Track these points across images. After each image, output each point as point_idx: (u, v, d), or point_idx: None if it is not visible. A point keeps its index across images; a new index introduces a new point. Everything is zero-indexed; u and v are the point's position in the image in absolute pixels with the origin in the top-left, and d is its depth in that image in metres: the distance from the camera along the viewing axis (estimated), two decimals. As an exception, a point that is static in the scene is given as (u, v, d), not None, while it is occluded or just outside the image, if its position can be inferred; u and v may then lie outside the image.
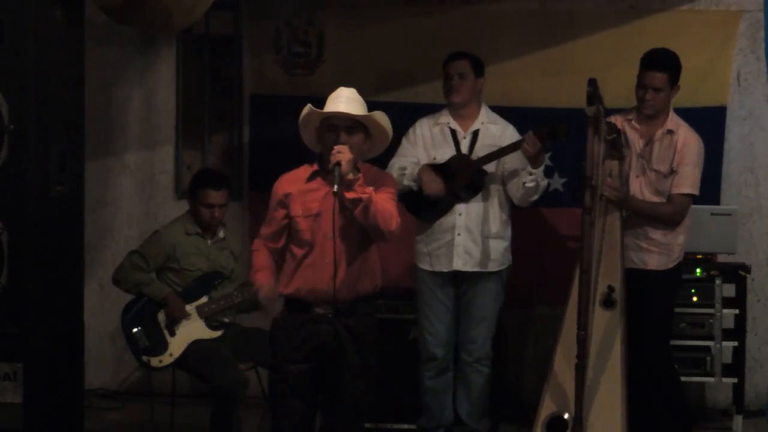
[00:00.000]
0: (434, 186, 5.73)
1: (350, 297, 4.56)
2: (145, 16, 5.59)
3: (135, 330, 5.90)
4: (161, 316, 5.91)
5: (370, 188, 4.44)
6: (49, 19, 5.18)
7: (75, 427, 5.52)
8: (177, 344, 5.85)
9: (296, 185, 4.63)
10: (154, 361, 5.89)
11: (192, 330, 5.88)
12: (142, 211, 7.16)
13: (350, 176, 4.38)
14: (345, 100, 4.58)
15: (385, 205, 4.46)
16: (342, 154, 4.40)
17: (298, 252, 4.59)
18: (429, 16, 6.75)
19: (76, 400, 5.56)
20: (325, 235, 4.52)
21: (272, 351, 4.69)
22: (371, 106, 6.76)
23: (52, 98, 5.23)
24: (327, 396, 4.62)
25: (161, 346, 5.88)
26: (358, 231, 4.52)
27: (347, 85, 6.80)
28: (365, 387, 4.62)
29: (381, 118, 4.61)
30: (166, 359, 5.87)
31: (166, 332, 5.89)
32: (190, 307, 5.89)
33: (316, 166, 4.65)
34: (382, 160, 5.96)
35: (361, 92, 6.76)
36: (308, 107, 4.61)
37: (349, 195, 4.38)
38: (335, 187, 4.35)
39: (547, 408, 5.24)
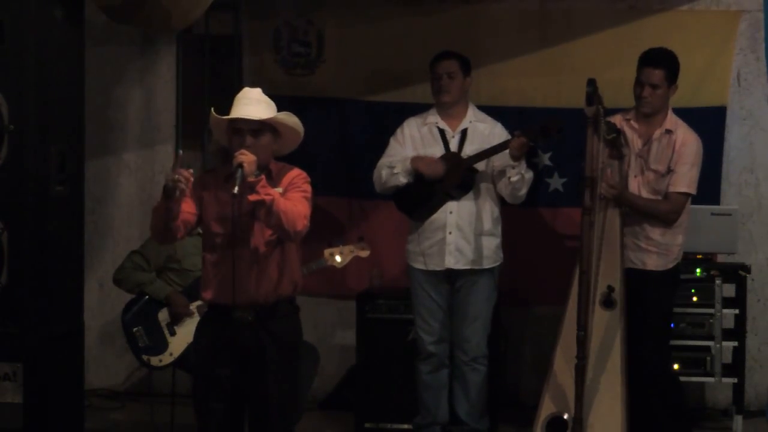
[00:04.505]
0: (435, 168, 5.73)
1: (271, 299, 4.49)
2: (145, 16, 5.60)
3: (135, 329, 5.91)
4: (162, 316, 5.92)
5: (273, 189, 4.37)
6: (49, 19, 5.19)
7: (75, 427, 5.53)
8: (177, 344, 5.86)
9: (211, 187, 4.56)
10: (154, 361, 5.90)
11: (192, 330, 5.87)
12: (142, 211, 7.15)
13: (252, 178, 4.29)
14: (249, 102, 4.46)
15: (290, 205, 4.38)
16: (245, 155, 4.31)
17: (212, 257, 4.53)
18: (429, 15, 6.75)
19: (76, 400, 5.56)
20: (237, 238, 4.45)
21: (195, 354, 4.64)
22: (370, 106, 6.83)
23: (52, 98, 5.24)
24: (251, 400, 4.55)
25: (161, 346, 5.89)
26: (269, 234, 4.46)
27: (348, 84, 6.87)
28: (288, 390, 4.55)
29: (286, 118, 4.51)
30: (166, 359, 5.88)
31: (166, 332, 5.90)
32: (191, 307, 5.89)
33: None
34: (372, 160, 6.00)
35: (361, 92, 6.86)
36: (211, 112, 4.54)
37: (252, 198, 4.29)
38: (235, 189, 4.25)
39: (546, 408, 5.24)
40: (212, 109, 4.56)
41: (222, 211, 4.48)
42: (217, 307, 4.55)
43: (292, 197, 4.44)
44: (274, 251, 4.49)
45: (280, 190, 4.43)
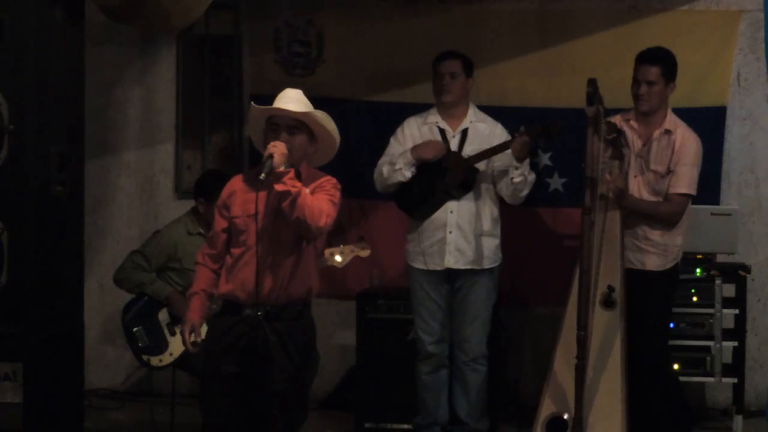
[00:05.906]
0: (436, 149, 5.73)
1: (282, 300, 4.51)
2: (144, 16, 5.60)
3: (135, 329, 5.91)
4: (161, 316, 5.92)
5: (300, 183, 4.41)
6: (49, 19, 5.19)
7: (75, 427, 5.53)
8: (177, 344, 5.85)
9: (240, 186, 4.62)
10: (154, 361, 5.90)
11: (192, 330, 5.89)
12: (142, 211, 7.17)
13: (281, 169, 4.35)
14: (289, 100, 4.52)
15: (315, 201, 4.43)
16: (276, 147, 4.38)
17: (235, 252, 4.56)
18: (429, 15, 6.75)
19: (76, 400, 5.57)
20: (259, 236, 4.48)
21: (204, 350, 4.64)
22: (371, 106, 6.83)
23: (52, 98, 5.24)
24: (258, 399, 4.55)
25: (161, 346, 5.89)
26: (291, 233, 4.48)
27: (347, 84, 6.88)
28: (294, 391, 4.55)
29: (323, 118, 4.56)
30: (166, 359, 5.88)
31: (166, 332, 5.90)
32: (191, 307, 5.90)
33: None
34: (373, 160, 6.00)
35: (361, 92, 6.86)
36: (252, 105, 4.60)
37: (278, 187, 4.34)
38: (262, 175, 4.31)
39: (546, 408, 5.23)
40: (252, 102, 4.61)
41: (247, 209, 4.53)
42: (230, 303, 4.58)
43: (318, 197, 4.48)
44: (290, 254, 4.51)
45: (307, 190, 4.45)
